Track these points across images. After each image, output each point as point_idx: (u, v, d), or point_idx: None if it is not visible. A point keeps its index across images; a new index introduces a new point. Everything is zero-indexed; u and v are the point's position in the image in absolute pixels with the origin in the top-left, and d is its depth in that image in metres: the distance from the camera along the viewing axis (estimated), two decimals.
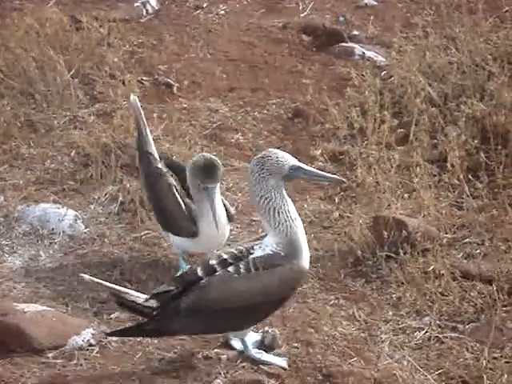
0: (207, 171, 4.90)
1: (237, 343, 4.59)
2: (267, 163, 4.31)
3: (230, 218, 5.11)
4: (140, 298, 4.38)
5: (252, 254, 4.35)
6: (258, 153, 4.54)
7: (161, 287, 4.45)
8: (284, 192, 4.36)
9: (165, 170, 5.28)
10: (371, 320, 4.91)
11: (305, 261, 4.39)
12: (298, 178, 4.42)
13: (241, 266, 4.31)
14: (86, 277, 4.43)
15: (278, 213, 4.33)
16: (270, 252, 4.34)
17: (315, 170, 4.46)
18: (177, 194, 5.16)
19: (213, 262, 4.36)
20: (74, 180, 5.97)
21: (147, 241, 5.50)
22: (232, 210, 5.20)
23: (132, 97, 5.45)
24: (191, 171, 4.96)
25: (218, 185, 4.95)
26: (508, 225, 5.39)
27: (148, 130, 5.39)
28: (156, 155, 5.33)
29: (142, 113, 5.40)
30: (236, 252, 4.37)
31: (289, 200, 4.38)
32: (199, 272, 4.34)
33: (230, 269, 4.31)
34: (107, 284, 4.44)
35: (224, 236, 5.11)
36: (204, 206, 4.96)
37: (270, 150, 4.39)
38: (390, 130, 5.99)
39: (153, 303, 4.35)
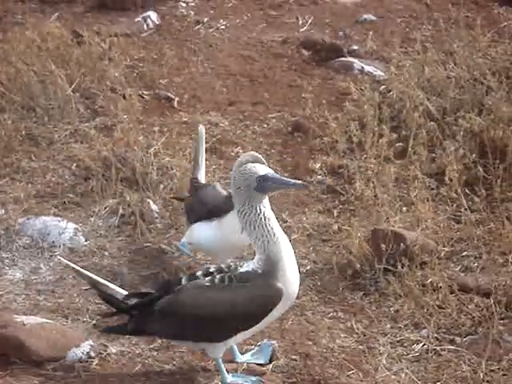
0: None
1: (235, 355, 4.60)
2: (236, 177, 4.25)
3: None
4: (119, 293, 4.46)
5: (239, 269, 4.29)
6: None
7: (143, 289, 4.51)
8: (263, 207, 4.24)
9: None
10: (369, 332, 4.92)
11: (284, 281, 4.22)
12: (270, 189, 4.24)
13: (217, 277, 4.28)
14: (64, 261, 4.57)
15: (254, 227, 4.23)
16: (251, 269, 4.26)
17: (281, 178, 4.28)
18: (219, 187, 5.18)
19: (199, 273, 4.36)
20: (74, 193, 5.99)
21: (147, 253, 5.52)
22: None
23: (200, 126, 5.52)
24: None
25: None
26: (505, 238, 5.40)
27: (203, 160, 5.43)
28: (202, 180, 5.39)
29: (204, 144, 5.44)
30: (224, 266, 4.34)
31: (270, 216, 4.25)
32: (183, 280, 4.37)
33: (207, 278, 4.30)
34: (86, 273, 4.53)
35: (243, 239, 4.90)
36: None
37: (239, 161, 4.28)
38: (389, 144, 6.02)
39: (130, 301, 4.41)
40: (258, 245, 4.25)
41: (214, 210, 5.10)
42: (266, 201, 4.28)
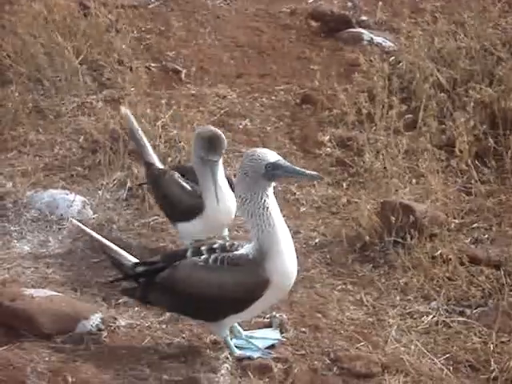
0: (211, 144, 4.89)
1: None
2: (244, 163, 4.22)
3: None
4: (127, 260, 4.51)
5: (234, 251, 4.30)
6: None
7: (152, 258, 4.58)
8: (266, 196, 4.21)
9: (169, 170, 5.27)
10: (379, 305, 4.91)
11: (272, 271, 4.22)
12: (279, 177, 4.22)
13: (212, 257, 4.30)
14: (75, 222, 4.68)
15: (252, 215, 4.21)
16: (244, 253, 4.27)
17: (294, 167, 4.25)
18: (180, 180, 5.14)
19: (203, 247, 4.37)
20: (82, 166, 5.98)
21: (155, 226, 5.51)
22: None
23: (123, 109, 5.47)
24: (196, 143, 4.95)
25: (221, 159, 4.94)
26: None
27: (145, 140, 5.39)
28: (158, 164, 5.34)
29: (136, 124, 5.41)
30: (227, 245, 4.35)
31: (272, 206, 4.23)
32: (188, 253, 4.39)
33: (203, 257, 4.32)
34: (97, 236, 4.59)
35: (229, 213, 5.06)
36: (207, 180, 4.95)
37: (250, 149, 4.29)
38: (398, 116, 5.99)
39: (136, 269, 4.47)
40: (253, 232, 4.25)
41: (186, 213, 5.11)
42: (270, 190, 4.25)
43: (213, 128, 5.07)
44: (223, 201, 4.96)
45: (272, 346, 4.54)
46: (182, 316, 4.57)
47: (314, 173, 4.37)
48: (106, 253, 4.60)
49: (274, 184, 4.26)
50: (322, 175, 5.91)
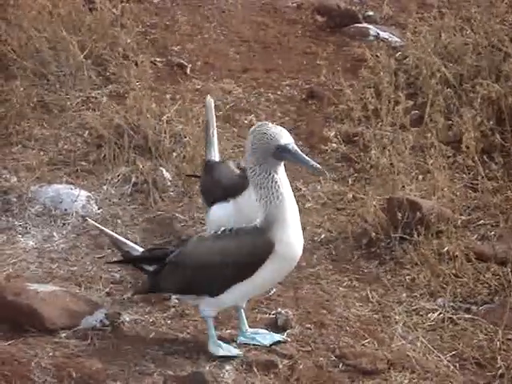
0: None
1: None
2: (256, 137, 4.23)
3: None
4: (136, 251, 4.59)
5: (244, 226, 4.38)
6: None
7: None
8: (274, 171, 4.22)
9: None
10: (384, 301, 4.90)
11: (277, 238, 4.25)
12: (286, 160, 4.25)
13: (221, 230, 4.37)
14: (91, 222, 4.84)
15: (261, 188, 4.24)
16: (251, 224, 4.33)
17: (302, 155, 4.26)
18: (232, 165, 5.05)
19: (213, 231, 4.43)
20: (86, 161, 5.96)
21: (160, 222, 5.50)
22: None
23: (208, 97, 5.41)
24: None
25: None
26: None
27: (215, 137, 5.31)
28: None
29: (214, 118, 5.34)
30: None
31: (282, 181, 4.25)
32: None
33: (213, 232, 4.40)
34: (107, 231, 4.70)
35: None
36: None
37: (265, 123, 4.29)
38: (405, 112, 5.95)
39: (145, 254, 4.56)
40: (261, 204, 4.28)
41: (228, 190, 5.03)
42: (280, 166, 4.27)
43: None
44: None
45: (276, 344, 4.52)
46: (188, 296, 4.53)
47: (319, 166, 4.36)
48: (117, 246, 4.67)
49: (283, 162, 4.26)
50: (328, 171, 5.93)
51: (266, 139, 4.20)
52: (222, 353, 4.42)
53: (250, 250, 4.28)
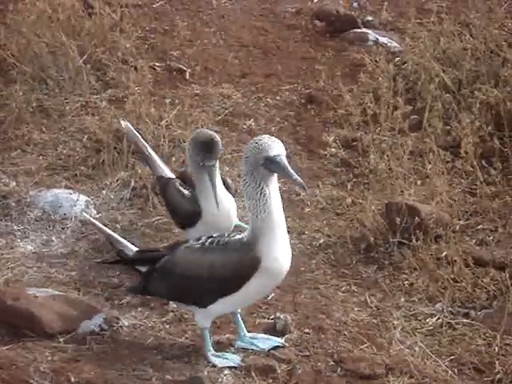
0: (207, 149, 4.85)
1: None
2: (248, 148, 4.26)
3: (232, 194, 5.08)
4: (129, 248, 4.64)
5: (232, 237, 4.37)
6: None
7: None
8: (264, 183, 4.22)
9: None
10: (383, 306, 4.90)
11: (263, 254, 4.24)
12: (274, 171, 4.22)
13: (208, 241, 4.38)
14: (86, 215, 4.95)
15: (249, 199, 4.25)
16: (239, 236, 4.34)
17: (286, 168, 4.21)
18: (180, 187, 5.11)
19: (203, 238, 4.43)
20: (85, 166, 5.96)
21: (159, 226, 5.50)
22: (232, 186, 5.13)
23: (123, 122, 5.47)
24: (191, 148, 4.91)
25: (217, 162, 4.90)
26: None
27: (150, 150, 5.36)
28: (167, 173, 5.27)
29: (139, 135, 5.41)
30: (226, 234, 4.42)
31: (271, 194, 4.23)
32: (190, 241, 4.47)
33: (201, 241, 4.40)
34: (103, 228, 4.79)
35: (229, 215, 5.02)
36: (204, 185, 4.92)
37: (262, 136, 4.29)
38: (404, 117, 5.97)
39: (138, 256, 4.60)
40: (249, 216, 4.29)
41: (187, 219, 5.08)
42: (272, 178, 4.26)
43: (207, 131, 5.03)
44: (222, 204, 4.93)
45: (275, 348, 4.52)
46: (177, 303, 4.58)
47: (301, 182, 4.29)
48: (112, 243, 4.72)
49: (275, 174, 4.26)
50: (327, 175, 5.94)
51: (256, 149, 4.22)
52: (221, 364, 4.41)
53: (236, 267, 4.28)
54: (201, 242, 4.41)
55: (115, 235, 4.73)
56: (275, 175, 4.26)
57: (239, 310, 4.55)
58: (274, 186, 4.27)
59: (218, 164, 4.93)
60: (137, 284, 4.62)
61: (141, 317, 4.75)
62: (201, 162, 4.87)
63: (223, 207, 4.95)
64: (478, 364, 4.50)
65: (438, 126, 5.92)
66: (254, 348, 4.50)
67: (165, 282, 4.45)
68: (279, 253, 4.29)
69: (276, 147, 4.23)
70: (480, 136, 5.81)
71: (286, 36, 7.37)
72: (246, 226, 4.97)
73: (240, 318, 4.56)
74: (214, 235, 4.43)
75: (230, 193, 5.06)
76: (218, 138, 4.94)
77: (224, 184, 5.04)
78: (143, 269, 4.57)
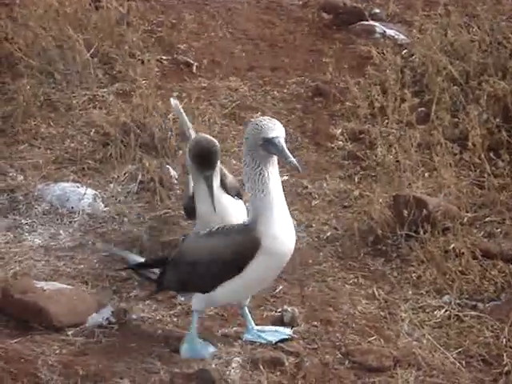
0: (203, 159, 4.80)
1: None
2: (248, 128, 4.27)
3: (238, 195, 5.03)
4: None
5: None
6: None
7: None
8: (264, 164, 4.21)
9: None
10: (391, 299, 4.90)
11: (264, 234, 4.24)
12: (271, 153, 4.21)
13: (215, 228, 4.41)
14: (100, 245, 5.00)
15: (248, 179, 4.27)
16: (243, 222, 4.40)
17: (284, 150, 4.20)
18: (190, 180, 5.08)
19: (214, 229, 4.45)
20: (93, 159, 5.97)
21: (166, 220, 5.50)
22: (236, 185, 5.06)
23: (173, 101, 5.43)
24: (189, 156, 4.87)
25: (217, 169, 4.86)
26: None
27: (192, 132, 5.31)
28: None
29: (185, 117, 5.35)
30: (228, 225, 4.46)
31: (270, 175, 4.23)
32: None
33: (208, 229, 4.44)
34: (120, 252, 4.90)
35: (224, 217, 4.91)
36: (200, 189, 4.87)
37: (262, 117, 4.31)
38: (411, 109, 5.96)
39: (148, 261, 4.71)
40: (249, 197, 4.32)
41: (187, 213, 5.11)
42: (271, 160, 4.25)
43: (206, 140, 4.91)
44: (220, 208, 4.88)
45: (283, 341, 4.52)
46: (185, 295, 4.59)
47: (296, 164, 4.27)
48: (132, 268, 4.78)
49: (274, 156, 4.24)
50: (335, 168, 5.94)
51: (256, 130, 4.22)
52: (190, 355, 4.42)
53: (236, 248, 4.29)
54: (209, 230, 4.45)
55: (129, 255, 4.82)
56: (275, 157, 4.25)
57: (247, 303, 4.55)
58: (273, 167, 4.27)
59: (217, 168, 4.87)
60: (152, 287, 4.67)
61: (149, 310, 4.76)
62: (198, 171, 4.82)
63: (220, 211, 4.89)
64: (486, 356, 4.50)
65: (445, 119, 5.91)
66: (262, 341, 4.50)
67: (173, 272, 4.48)
68: (279, 232, 4.28)
69: (275, 129, 4.22)
70: (488, 128, 5.80)
71: (292, 29, 7.37)
72: None
73: (247, 311, 4.56)
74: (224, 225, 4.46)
75: (230, 194, 4.99)
76: (215, 147, 4.85)
77: (224, 186, 4.97)
78: (153, 276, 4.63)
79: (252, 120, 4.35)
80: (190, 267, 4.41)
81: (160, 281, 4.57)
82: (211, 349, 4.45)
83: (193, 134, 5.31)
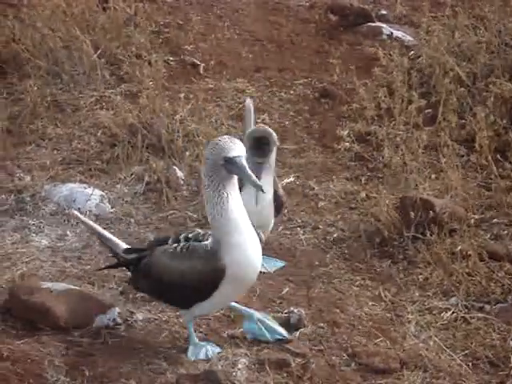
0: (257, 145, 4.80)
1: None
2: (208, 148, 4.19)
3: (277, 208, 5.01)
4: (119, 246, 4.57)
5: (202, 240, 4.32)
6: None
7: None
8: (224, 185, 4.14)
9: None
10: (397, 300, 4.90)
11: (228, 260, 4.19)
12: (233, 173, 4.13)
13: (181, 245, 4.33)
14: (75, 212, 4.78)
15: (207, 202, 4.21)
16: (206, 242, 4.28)
17: (245, 171, 4.12)
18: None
19: (182, 235, 4.39)
20: (100, 160, 5.98)
21: (173, 221, 5.51)
22: (283, 198, 5.06)
23: (248, 100, 5.39)
24: (245, 142, 4.77)
25: (269, 161, 4.84)
26: None
27: None
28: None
29: (252, 118, 5.29)
30: (200, 234, 4.35)
31: (232, 197, 4.17)
32: (169, 241, 4.42)
33: (175, 244, 4.35)
34: (92, 224, 4.67)
35: (265, 218, 4.94)
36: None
37: (223, 136, 4.22)
38: (418, 111, 5.97)
39: (128, 255, 4.54)
40: (209, 221, 4.24)
41: None
42: (232, 181, 4.17)
43: (263, 128, 4.94)
44: (263, 204, 4.87)
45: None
46: (162, 303, 4.60)
47: (259, 184, 4.21)
48: (102, 241, 4.66)
49: (235, 177, 4.18)
50: (341, 170, 5.94)
51: (216, 150, 4.14)
52: (196, 356, 4.42)
53: (203, 277, 4.25)
54: (175, 245, 4.35)
55: (105, 232, 4.64)
56: (235, 178, 4.18)
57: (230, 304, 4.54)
58: (233, 189, 4.19)
59: (271, 161, 4.85)
60: (129, 281, 4.64)
61: (155, 311, 4.76)
62: (251, 158, 4.69)
63: (261, 208, 4.87)
64: (493, 358, 4.50)
65: (452, 120, 5.91)
66: (261, 336, 4.49)
67: (146, 282, 4.46)
68: (242, 258, 4.22)
69: (236, 148, 4.14)
70: (494, 130, 5.81)
71: (299, 30, 7.37)
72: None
73: (236, 304, 4.53)
74: (190, 235, 4.36)
75: (276, 207, 4.99)
76: (271, 137, 4.83)
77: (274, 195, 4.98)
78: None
79: (212, 140, 4.27)
80: (161, 285, 4.38)
81: (135, 284, 4.55)
82: (216, 349, 4.45)
83: None
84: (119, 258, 4.59)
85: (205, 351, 4.42)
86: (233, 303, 4.54)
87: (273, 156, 4.91)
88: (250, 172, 4.15)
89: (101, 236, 4.63)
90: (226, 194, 4.17)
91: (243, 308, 4.57)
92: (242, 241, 4.21)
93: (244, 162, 4.13)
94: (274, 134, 4.94)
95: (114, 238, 4.61)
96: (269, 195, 4.92)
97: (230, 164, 4.12)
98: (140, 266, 4.47)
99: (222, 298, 4.34)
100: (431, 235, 5.08)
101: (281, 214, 5.18)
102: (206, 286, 4.27)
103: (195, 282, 4.27)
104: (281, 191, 5.09)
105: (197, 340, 4.46)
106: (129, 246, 4.60)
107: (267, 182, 4.86)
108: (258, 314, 4.55)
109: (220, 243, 4.21)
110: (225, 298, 4.36)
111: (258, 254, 4.29)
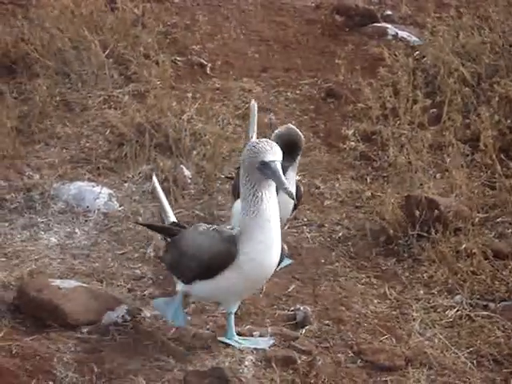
0: (282, 149, 4.81)
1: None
2: (247, 150, 4.22)
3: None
4: (169, 218, 4.75)
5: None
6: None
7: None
8: (259, 186, 4.18)
9: None
10: (402, 298, 4.92)
11: (242, 252, 4.24)
12: (267, 176, 4.16)
13: (213, 227, 4.41)
14: (154, 179, 4.89)
15: (243, 199, 4.25)
16: (234, 230, 4.33)
17: (280, 176, 4.15)
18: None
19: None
20: (108, 159, 6.01)
21: (180, 219, 5.50)
22: (301, 189, 5.09)
23: (253, 102, 5.41)
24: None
25: (294, 164, 4.89)
26: None
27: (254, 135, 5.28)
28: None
29: (255, 121, 5.31)
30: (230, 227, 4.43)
31: (265, 198, 4.20)
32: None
33: (209, 225, 4.45)
34: (160, 192, 4.83)
35: (286, 208, 4.95)
36: None
37: (260, 140, 4.24)
38: (423, 110, 5.99)
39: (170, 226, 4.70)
40: (241, 215, 4.29)
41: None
42: (268, 182, 4.19)
43: (287, 128, 4.97)
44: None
45: (296, 339, 4.55)
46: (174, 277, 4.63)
47: (291, 192, 4.23)
48: (160, 213, 4.82)
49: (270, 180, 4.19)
50: (347, 169, 5.97)
51: (253, 153, 4.18)
52: (162, 311, 4.55)
53: (214, 254, 4.30)
54: (209, 226, 4.45)
55: (166, 203, 4.78)
56: (271, 181, 4.21)
57: (233, 310, 4.52)
58: (269, 189, 4.22)
59: (295, 164, 4.93)
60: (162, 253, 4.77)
61: None
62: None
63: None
64: (497, 356, 4.52)
65: (457, 120, 5.93)
66: (236, 345, 4.49)
67: (170, 251, 4.55)
68: (259, 256, 4.25)
69: (272, 153, 4.18)
70: (499, 129, 5.83)
71: (305, 30, 7.40)
72: None
73: (232, 320, 4.53)
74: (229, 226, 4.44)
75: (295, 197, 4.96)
76: (297, 137, 4.90)
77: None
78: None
79: (250, 141, 4.32)
80: (177, 254, 4.47)
81: (163, 254, 4.69)
82: (185, 318, 4.52)
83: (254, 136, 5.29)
84: (159, 228, 4.75)
85: (175, 313, 4.50)
86: (232, 316, 4.52)
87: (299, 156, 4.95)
88: (283, 179, 4.18)
89: (161, 203, 4.77)
90: (260, 194, 4.22)
91: (232, 326, 4.54)
92: (264, 240, 4.24)
93: (279, 167, 4.18)
94: (302, 135, 4.96)
95: (170, 210, 4.75)
96: (292, 189, 4.94)
97: (265, 168, 4.17)
98: (175, 237, 4.57)
99: (222, 285, 4.34)
100: (436, 234, 5.10)
101: (299, 205, 5.18)
102: (214, 263, 4.30)
103: (206, 257, 4.32)
104: (298, 183, 5.13)
105: (180, 303, 4.51)
106: (176, 221, 4.73)
107: (291, 176, 4.91)
108: (238, 337, 4.54)
109: (244, 235, 4.26)
110: (225, 289, 4.37)
111: (274, 260, 4.30)
